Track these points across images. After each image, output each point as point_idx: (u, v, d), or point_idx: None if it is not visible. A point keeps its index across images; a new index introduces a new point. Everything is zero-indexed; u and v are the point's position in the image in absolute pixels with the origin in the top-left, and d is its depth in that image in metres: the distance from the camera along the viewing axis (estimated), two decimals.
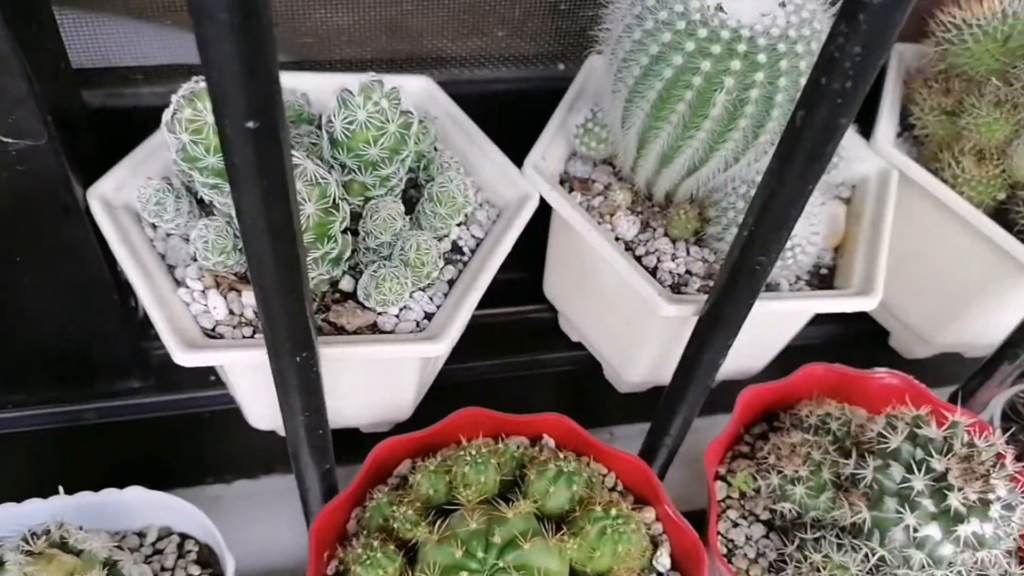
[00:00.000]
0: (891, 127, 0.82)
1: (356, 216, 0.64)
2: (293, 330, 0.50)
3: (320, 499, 0.68)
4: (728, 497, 0.76)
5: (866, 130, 0.82)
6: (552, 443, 0.75)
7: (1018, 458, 0.83)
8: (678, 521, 0.69)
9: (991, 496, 0.61)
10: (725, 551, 0.72)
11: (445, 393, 0.86)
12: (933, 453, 0.63)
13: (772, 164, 0.50)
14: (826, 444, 0.71)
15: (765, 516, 0.73)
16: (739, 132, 0.60)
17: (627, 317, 0.74)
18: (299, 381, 0.55)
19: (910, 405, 0.70)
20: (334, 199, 0.56)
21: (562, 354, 0.95)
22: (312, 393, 0.57)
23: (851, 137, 0.81)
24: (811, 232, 0.66)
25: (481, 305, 0.97)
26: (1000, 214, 0.79)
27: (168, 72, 0.83)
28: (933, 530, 0.62)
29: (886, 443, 0.65)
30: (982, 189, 0.77)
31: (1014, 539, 0.70)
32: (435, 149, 0.75)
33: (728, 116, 0.59)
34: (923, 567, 0.64)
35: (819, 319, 1.04)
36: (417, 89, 0.79)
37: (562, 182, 0.76)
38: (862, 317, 1.02)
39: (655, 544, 0.70)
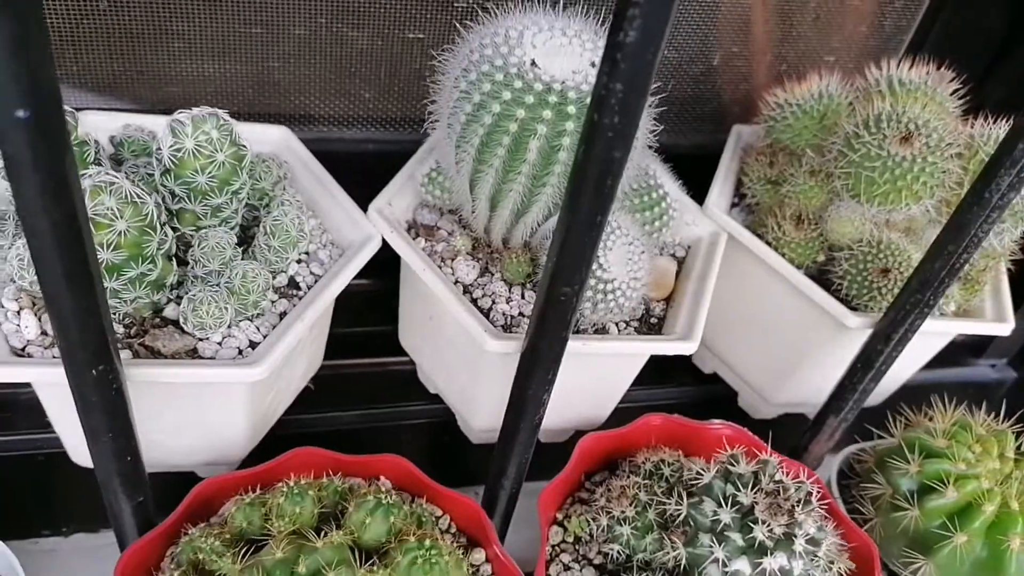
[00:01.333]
0: (724, 195, 0.88)
1: (188, 245, 0.65)
2: (87, 339, 0.50)
3: (136, 535, 0.66)
4: (563, 541, 0.76)
5: (704, 199, 0.88)
6: (389, 484, 0.75)
7: (850, 512, 0.87)
8: (506, 562, 0.69)
9: (796, 530, 0.63)
10: None
11: (300, 442, 0.85)
12: (741, 488, 0.65)
13: (565, 199, 0.54)
14: (655, 487, 0.73)
15: (598, 560, 0.74)
16: (555, 177, 0.64)
17: (465, 359, 0.76)
18: (99, 398, 0.54)
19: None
20: (151, 219, 0.57)
21: (421, 406, 0.96)
22: (115, 414, 0.56)
23: (688, 203, 0.87)
24: (631, 277, 0.70)
25: (342, 355, 0.98)
26: (822, 275, 0.85)
27: None
28: (742, 564, 0.63)
29: (700, 479, 0.67)
30: (801, 251, 0.83)
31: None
32: (284, 190, 0.77)
33: (543, 161, 0.63)
34: None
35: (674, 380, 1.09)
36: (275, 137, 0.82)
37: (410, 229, 0.79)
38: (714, 380, 1.07)
39: None
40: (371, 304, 1.02)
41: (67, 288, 0.47)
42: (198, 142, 0.61)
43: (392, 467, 0.75)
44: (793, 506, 0.63)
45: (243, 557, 0.59)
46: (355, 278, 1.00)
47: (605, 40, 0.45)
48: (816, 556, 0.64)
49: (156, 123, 0.76)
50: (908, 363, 0.93)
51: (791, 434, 0.98)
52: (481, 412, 0.81)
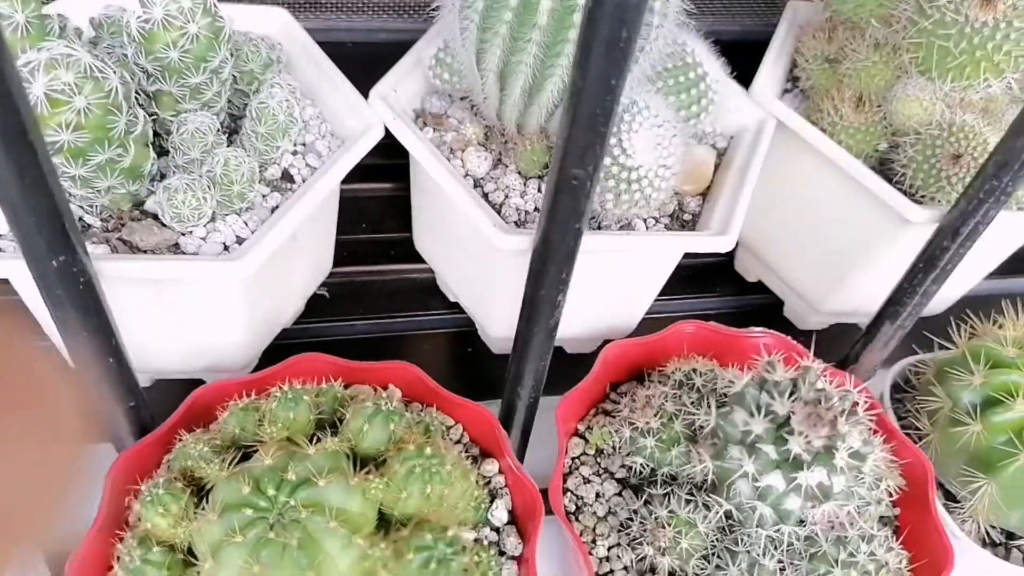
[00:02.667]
0: (774, 77, 0.79)
1: (171, 131, 0.60)
2: (41, 227, 0.45)
3: (132, 440, 0.63)
4: (584, 453, 0.71)
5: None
6: (399, 393, 0.70)
7: (903, 427, 0.80)
8: (519, 473, 0.64)
9: (838, 443, 0.57)
10: (573, 508, 0.68)
11: (312, 350, 0.81)
12: (776, 396, 0.58)
13: (575, 58, 0.46)
14: (684, 397, 0.67)
15: (621, 473, 0.69)
16: (570, 45, 0.56)
17: (478, 260, 0.70)
18: (65, 292, 0.50)
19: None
20: (115, 98, 0.52)
21: (441, 315, 0.91)
22: (87, 310, 0.52)
23: (732, 87, 0.77)
24: (659, 165, 0.62)
25: (358, 262, 0.93)
26: (884, 165, 0.75)
27: None
28: (775, 479, 0.57)
29: (732, 387, 0.60)
30: (861, 137, 0.73)
31: (878, 499, 0.66)
32: (278, 74, 0.70)
33: (556, 25, 0.55)
34: (771, 523, 0.60)
35: (715, 289, 1.01)
36: (276, 21, 0.75)
37: (418, 118, 0.72)
38: (758, 288, 0.99)
39: (493, 497, 0.65)
40: (390, 208, 0.96)
41: (11, 170, 0.42)
42: (168, 12, 0.55)
43: (401, 374, 0.70)
44: (835, 417, 0.56)
45: (232, 464, 0.55)
46: (373, 180, 0.95)
47: None
48: (861, 472, 0.57)
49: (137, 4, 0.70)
50: (976, 265, 0.83)
51: (840, 346, 0.90)
52: (498, 318, 0.75)
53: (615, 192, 0.62)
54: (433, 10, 0.90)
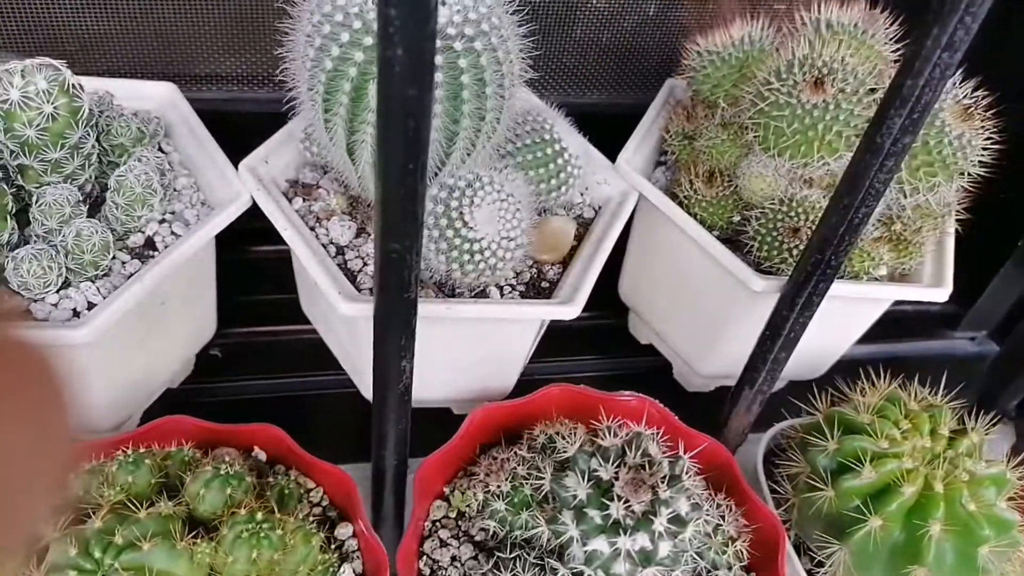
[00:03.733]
0: (641, 152, 0.83)
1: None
2: None
3: None
4: (446, 516, 0.72)
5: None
6: (263, 455, 0.72)
7: (774, 492, 0.81)
8: (371, 538, 0.65)
9: (660, 508, 0.58)
10: (428, 572, 0.69)
11: (199, 411, 0.83)
12: (603, 462, 0.60)
13: (376, 147, 0.49)
14: (538, 461, 0.69)
15: (479, 536, 0.70)
16: None
17: (342, 324, 0.72)
18: None
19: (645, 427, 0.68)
20: None
21: (330, 376, 0.92)
22: None
23: (600, 161, 0.81)
24: (502, 236, 0.65)
25: (253, 323, 0.95)
26: (738, 235, 0.79)
27: None
28: (600, 544, 0.59)
29: (565, 452, 0.62)
30: (713, 210, 0.76)
31: (728, 563, 0.68)
32: (160, 149, 0.74)
33: None
34: None
35: (609, 351, 1.03)
36: (160, 94, 0.79)
37: (291, 188, 0.75)
38: (651, 351, 1.01)
39: (343, 559, 0.66)
40: (281, 271, 0.99)
41: None
42: (24, 93, 0.58)
43: (265, 436, 0.71)
44: (657, 483, 0.58)
45: (62, 526, 0.56)
46: (267, 244, 0.98)
47: None
48: (683, 536, 0.59)
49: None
50: (841, 334, 0.86)
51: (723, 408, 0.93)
52: (364, 380, 0.77)
53: (459, 262, 0.65)
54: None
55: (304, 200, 0.73)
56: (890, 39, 0.77)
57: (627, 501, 0.58)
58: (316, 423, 0.95)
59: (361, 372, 0.78)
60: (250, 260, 0.98)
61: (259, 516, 0.57)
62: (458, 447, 0.75)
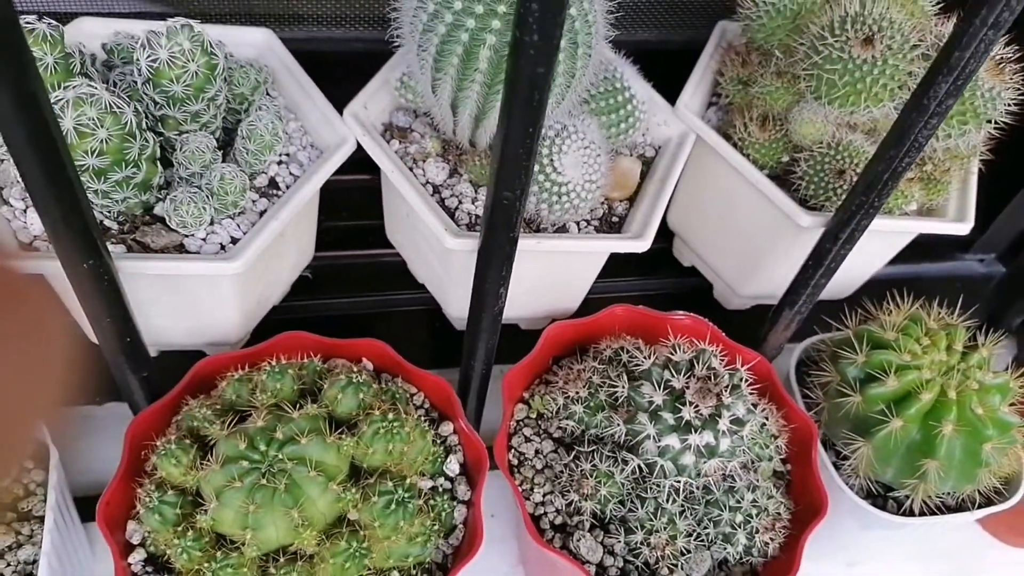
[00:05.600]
0: (698, 95, 0.90)
1: (175, 147, 0.71)
2: (75, 238, 0.57)
3: (145, 405, 0.76)
4: (528, 417, 0.84)
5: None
6: (370, 365, 0.83)
7: (805, 397, 0.93)
8: (470, 434, 0.77)
9: (722, 411, 0.70)
10: (516, 462, 0.81)
11: (296, 326, 0.93)
12: (675, 373, 0.71)
13: (500, 111, 0.58)
14: (609, 371, 0.80)
15: (557, 434, 0.82)
16: None
17: (436, 253, 0.82)
18: (92, 287, 0.62)
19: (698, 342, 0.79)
20: (130, 127, 0.63)
21: (411, 295, 1.03)
22: (111, 301, 0.64)
23: (660, 103, 0.89)
24: (585, 180, 0.74)
25: (337, 247, 1.05)
26: (787, 175, 0.88)
27: None
28: (672, 440, 0.71)
29: (640, 365, 0.73)
30: (765, 151, 0.85)
31: (770, 456, 0.80)
32: (267, 94, 0.82)
33: (494, 69, 0.67)
34: (672, 474, 0.73)
35: (655, 272, 1.14)
36: (258, 40, 0.86)
37: (386, 131, 0.83)
38: (692, 272, 1.11)
39: (448, 452, 0.78)
40: (366, 197, 1.08)
41: (51, 193, 0.54)
42: (172, 53, 0.66)
43: (372, 350, 0.82)
44: (721, 391, 0.70)
45: (230, 425, 0.68)
46: (349, 173, 1.07)
47: None
48: (741, 434, 0.71)
49: (144, 28, 0.81)
50: (870, 260, 0.96)
51: (762, 324, 1.04)
52: (454, 302, 0.87)
53: (548, 203, 0.74)
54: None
55: (400, 143, 0.82)
56: None
57: (696, 406, 0.69)
58: (397, 336, 1.06)
59: (449, 294, 0.88)
60: (334, 189, 1.07)
61: (391, 416, 0.69)
62: (536, 359, 0.86)
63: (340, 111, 0.81)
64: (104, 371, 0.95)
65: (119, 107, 0.62)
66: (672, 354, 0.74)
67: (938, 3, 0.83)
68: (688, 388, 0.70)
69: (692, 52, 0.99)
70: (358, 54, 1.04)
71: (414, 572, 0.70)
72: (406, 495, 0.66)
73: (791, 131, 0.84)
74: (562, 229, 0.79)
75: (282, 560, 0.64)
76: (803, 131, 0.82)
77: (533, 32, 0.51)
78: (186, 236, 0.70)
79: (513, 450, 0.82)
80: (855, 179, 0.81)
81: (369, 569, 0.66)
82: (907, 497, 0.85)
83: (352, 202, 1.07)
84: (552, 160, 0.72)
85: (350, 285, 1.03)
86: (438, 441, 0.78)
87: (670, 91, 0.92)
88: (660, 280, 1.12)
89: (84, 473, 0.83)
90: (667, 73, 0.94)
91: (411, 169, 0.79)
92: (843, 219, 0.76)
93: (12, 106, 0.47)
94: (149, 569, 0.68)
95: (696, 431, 0.69)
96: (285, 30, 0.99)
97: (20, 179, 0.66)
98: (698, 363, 0.72)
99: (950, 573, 1.01)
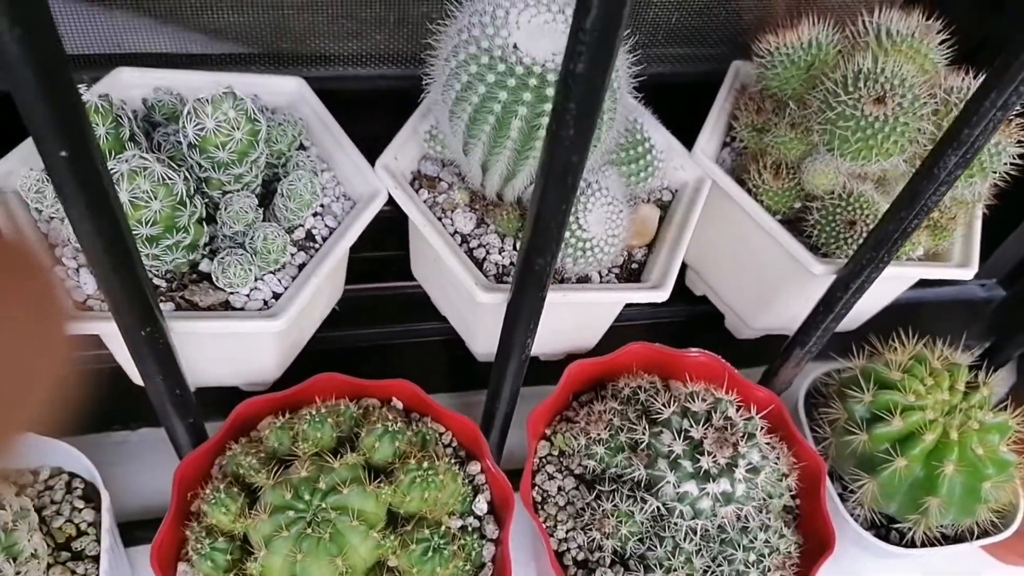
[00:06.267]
0: (713, 139, 0.93)
1: (217, 206, 0.75)
2: (134, 310, 0.61)
3: (190, 447, 0.79)
4: (550, 454, 0.88)
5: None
6: (400, 405, 0.87)
7: (813, 429, 0.98)
8: (496, 473, 0.81)
9: (739, 461, 0.74)
10: (539, 499, 0.85)
11: (326, 358, 0.97)
12: (694, 424, 0.75)
13: (534, 190, 0.61)
14: (628, 412, 0.84)
15: (578, 471, 0.86)
16: (535, 151, 0.71)
17: (464, 300, 0.86)
18: (150, 351, 0.65)
19: (710, 382, 0.83)
20: (181, 196, 0.66)
21: (434, 325, 1.07)
22: (165, 360, 0.67)
23: (677, 148, 0.92)
24: (608, 235, 0.77)
25: (362, 280, 1.09)
26: (799, 220, 0.91)
27: None
28: (691, 487, 0.75)
29: (661, 414, 0.77)
30: (778, 199, 0.88)
31: (780, 493, 0.84)
32: (301, 147, 0.85)
33: (524, 138, 0.70)
34: (689, 517, 0.77)
35: (668, 301, 1.17)
36: (290, 90, 0.89)
37: (415, 180, 0.87)
38: (704, 301, 1.15)
39: (476, 492, 0.82)
40: (389, 229, 1.11)
41: (116, 279, 0.57)
42: (218, 122, 0.69)
43: (402, 390, 0.86)
44: (737, 440, 0.74)
45: (275, 474, 0.72)
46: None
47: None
48: (755, 481, 0.75)
49: (182, 82, 0.84)
50: (877, 299, 1.00)
51: (771, 352, 1.08)
52: (480, 341, 0.91)
53: (573, 257, 0.78)
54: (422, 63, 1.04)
55: (429, 192, 0.85)
56: (939, 44, 0.86)
57: (714, 455, 0.73)
58: (419, 364, 1.10)
59: (474, 334, 0.92)
60: None
61: (425, 464, 0.73)
62: (557, 398, 0.90)
63: (363, 149, 0.85)
64: (136, 397, 1.00)
65: (171, 178, 0.66)
66: (690, 403, 0.78)
67: (947, 56, 0.86)
68: (706, 438, 0.74)
69: (705, 85, 1.02)
70: (381, 92, 1.07)
71: None
72: (441, 541, 0.70)
73: (804, 180, 0.87)
74: (584, 278, 0.83)
75: None
76: (816, 181, 0.85)
77: (570, 128, 0.54)
78: (231, 293, 0.74)
79: (536, 487, 0.86)
80: (865, 230, 0.85)
81: None
82: (909, 529, 0.90)
83: (376, 235, 1.10)
84: (578, 218, 0.75)
85: (375, 317, 1.07)
86: (466, 481, 0.82)
87: (683, 124, 0.95)
88: (673, 308, 1.15)
89: (120, 496, 0.87)
90: (678, 106, 0.97)
91: (440, 219, 0.83)
92: (854, 270, 0.79)
93: (87, 211, 0.51)
94: None
95: (713, 480, 0.73)
96: (311, 70, 1.03)
97: (76, 243, 0.70)
98: (715, 413, 0.76)
99: None
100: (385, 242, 1.12)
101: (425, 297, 1.07)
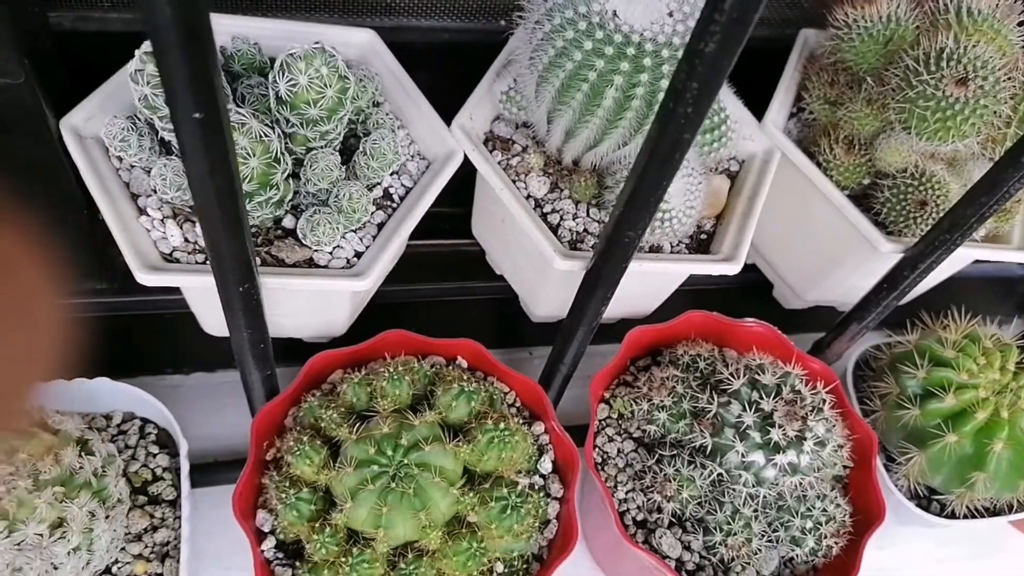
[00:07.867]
0: (783, 111, 0.93)
1: (299, 161, 0.74)
2: (236, 268, 0.61)
3: (263, 398, 0.81)
4: (609, 417, 0.90)
5: (763, 111, 0.93)
6: (464, 363, 0.88)
7: (860, 399, 1.00)
8: (561, 434, 0.83)
9: (807, 434, 0.76)
10: (600, 460, 0.87)
11: (383, 312, 0.98)
12: (764, 396, 0.77)
13: (636, 163, 0.61)
14: (691, 380, 0.86)
15: (637, 434, 0.88)
16: (626, 121, 0.71)
17: (532, 263, 0.86)
18: (243, 306, 0.66)
19: (764, 352, 0.85)
20: (276, 154, 0.66)
21: (488, 284, 1.08)
22: (254, 315, 0.68)
23: (746, 118, 0.92)
24: (687, 206, 0.78)
25: (420, 236, 1.09)
26: (867, 196, 0.92)
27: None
28: (758, 457, 0.77)
29: (730, 385, 0.79)
30: (849, 175, 0.89)
31: (833, 463, 0.87)
32: (375, 104, 0.84)
33: (617, 107, 0.70)
34: (752, 484, 0.80)
35: None
36: (362, 42, 0.87)
37: (487, 140, 0.86)
38: (753, 269, 1.16)
39: (541, 451, 0.84)
40: (449, 184, 1.11)
41: (224, 235, 0.58)
42: (311, 78, 0.68)
43: (468, 349, 0.87)
44: (807, 414, 0.76)
45: (356, 429, 0.73)
46: None
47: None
48: (819, 454, 0.77)
49: (252, 29, 0.81)
50: (932, 277, 1.01)
51: (819, 323, 1.09)
52: (543, 305, 0.92)
53: (651, 228, 0.78)
54: (493, 16, 1.02)
55: (503, 154, 0.85)
56: (1018, 24, 0.86)
57: (783, 427, 0.75)
58: (473, 321, 1.11)
59: (537, 297, 0.93)
60: None
61: (502, 425, 0.74)
62: (618, 363, 0.92)
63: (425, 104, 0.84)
64: (183, 340, 1.01)
65: (267, 135, 0.66)
66: (759, 375, 0.79)
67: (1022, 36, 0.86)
68: (776, 411, 0.76)
69: (766, 52, 1.01)
70: (443, 45, 1.05)
71: (515, 563, 0.77)
72: (517, 500, 0.73)
73: (876, 157, 0.87)
74: (656, 248, 0.84)
75: (410, 556, 0.71)
76: (889, 159, 0.85)
77: (688, 106, 0.54)
78: (316, 251, 0.74)
79: (597, 449, 0.88)
80: (935, 210, 0.85)
81: (485, 563, 0.73)
82: (951, 501, 0.93)
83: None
84: None
85: (430, 273, 1.07)
86: (532, 441, 0.84)
87: (746, 91, 0.94)
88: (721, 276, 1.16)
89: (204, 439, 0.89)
90: (739, 73, 0.96)
91: (514, 182, 0.83)
92: (924, 251, 0.80)
93: (209, 170, 0.51)
94: (280, 555, 0.74)
95: (782, 451, 0.75)
96: (375, 19, 1.01)
97: (164, 188, 0.70)
98: (784, 386, 0.78)
99: (970, 554, 1.10)
100: (439, 199, 1.12)
101: (480, 255, 1.07)
